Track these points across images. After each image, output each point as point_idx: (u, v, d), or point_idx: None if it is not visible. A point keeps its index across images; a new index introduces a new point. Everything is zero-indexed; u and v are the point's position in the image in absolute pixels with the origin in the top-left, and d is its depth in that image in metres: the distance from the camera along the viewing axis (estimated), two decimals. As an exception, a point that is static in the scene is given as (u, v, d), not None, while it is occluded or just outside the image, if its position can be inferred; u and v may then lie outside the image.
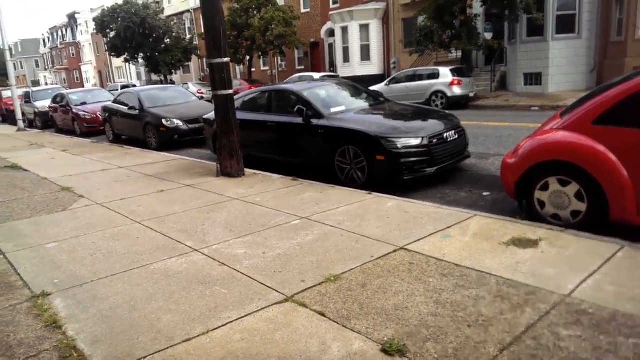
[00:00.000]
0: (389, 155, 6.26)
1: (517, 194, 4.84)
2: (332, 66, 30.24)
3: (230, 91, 7.60)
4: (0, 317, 3.27)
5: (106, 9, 36.63)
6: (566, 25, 17.85)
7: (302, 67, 32.89)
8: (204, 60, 41.39)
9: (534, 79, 18.58)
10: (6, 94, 25.74)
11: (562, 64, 17.97)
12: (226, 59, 7.49)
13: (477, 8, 19.76)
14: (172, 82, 38.20)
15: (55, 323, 3.14)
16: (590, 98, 4.60)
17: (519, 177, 4.72)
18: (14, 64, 20.14)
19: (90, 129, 15.76)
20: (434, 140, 6.43)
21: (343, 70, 26.97)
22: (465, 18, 18.18)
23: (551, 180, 4.56)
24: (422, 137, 6.36)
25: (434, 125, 6.75)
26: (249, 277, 3.73)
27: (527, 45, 18.51)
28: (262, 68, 36.22)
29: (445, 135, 6.59)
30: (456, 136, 6.80)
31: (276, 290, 3.47)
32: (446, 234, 4.37)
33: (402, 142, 6.27)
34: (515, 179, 4.78)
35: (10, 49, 20.09)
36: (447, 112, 7.94)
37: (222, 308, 3.24)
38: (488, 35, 19.25)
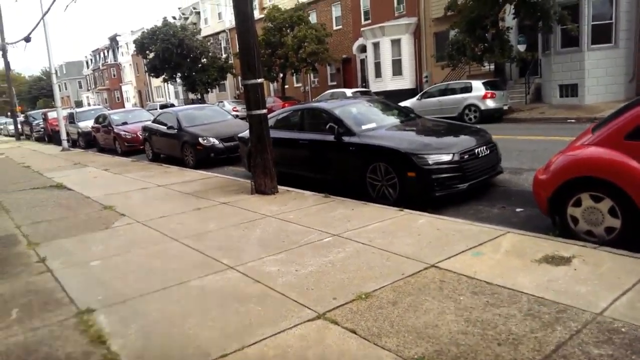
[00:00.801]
0: (420, 172, 6.31)
1: (550, 210, 4.81)
2: (364, 81, 30.42)
3: (264, 111, 7.82)
4: (50, 332, 3.48)
5: (146, 31, 38.06)
6: (602, 35, 17.46)
7: (335, 83, 33.23)
8: (239, 78, 42.45)
9: (569, 90, 18.20)
10: (51, 115, 27.07)
11: (599, 75, 17.55)
12: (260, 80, 7.73)
13: (510, 21, 19.59)
14: (203, 101, 39.25)
15: (100, 338, 3.33)
16: (622, 113, 4.56)
17: (552, 193, 4.69)
18: (59, 85, 21.15)
19: (130, 147, 16.38)
20: (465, 156, 6.44)
21: (375, 85, 27.11)
22: (497, 31, 18.07)
23: (584, 196, 4.51)
24: (453, 153, 6.38)
25: (465, 141, 6.76)
26: (282, 294, 3.84)
27: (562, 57, 18.18)
28: (295, 85, 36.77)
29: (476, 150, 6.58)
30: (488, 151, 6.78)
31: (309, 308, 3.56)
32: (478, 251, 4.38)
33: (433, 158, 6.30)
34: (547, 195, 4.75)
35: (55, 72, 21.14)
36: (478, 127, 7.91)
37: (256, 325, 3.36)
38: (521, 47, 19.05)
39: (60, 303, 3.98)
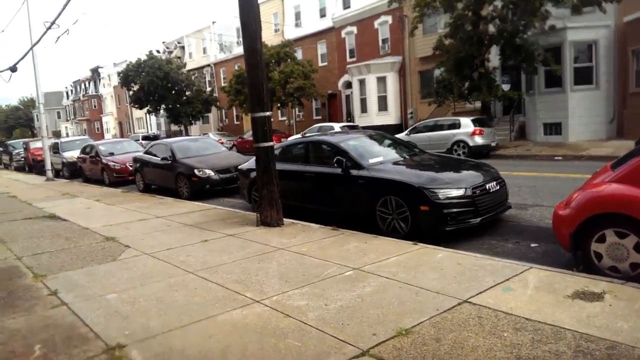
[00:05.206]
0: (433, 206, 6.34)
1: (572, 246, 4.85)
2: (350, 116, 30.87)
3: (271, 143, 7.82)
4: (82, 369, 3.31)
5: (131, 64, 38.15)
6: (584, 77, 18.25)
7: (320, 117, 33.62)
8: (223, 111, 42.59)
9: (553, 128, 18.79)
10: (33, 144, 26.59)
11: (582, 114, 18.21)
12: (268, 113, 7.76)
13: (495, 61, 20.28)
14: (187, 133, 39.15)
15: (137, 376, 3.17)
16: (642, 151, 4.70)
17: (575, 229, 4.74)
18: (37, 115, 20.91)
19: (119, 178, 16.11)
20: (477, 191, 6.51)
21: (361, 120, 27.50)
22: (484, 71, 18.66)
23: (608, 232, 4.58)
24: (466, 188, 6.45)
25: (475, 176, 6.86)
26: (318, 329, 3.74)
27: (546, 96, 18.85)
28: (280, 118, 37.01)
29: (487, 186, 6.67)
30: (497, 187, 6.88)
31: (350, 344, 3.47)
32: (507, 286, 4.37)
33: (446, 192, 6.36)
34: (570, 230, 4.80)
35: (42, 102, 20.77)
36: (485, 163, 8.03)
37: (300, 362, 3.25)
38: (506, 87, 19.68)
39: (85, 338, 3.78)
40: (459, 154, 16.83)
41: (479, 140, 16.87)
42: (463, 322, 3.71)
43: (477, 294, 4.23)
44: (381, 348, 3.38)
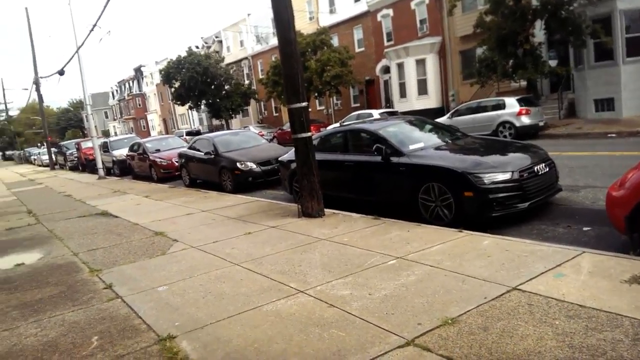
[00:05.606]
0: (478, 191, 6.17)
1: (628, 229, 4.61)
2: (388, 102, 30.47)
3: (309, 134, 7.81)
4: (137, 359, 3.44)
5: (171, 61, 39.03)
6: (637, 47, 17.18)
7: (358, 105, 33.37)
8: (262, 103, 43.01)
9: (605, 104, 17.88)
10: (85, 144, 27.75)
11: (636, 88, 17.20)
12: (304, 104, 7.74)
13: (540, 35, 19.45)
14: (228, 127, 39.67)
15: (188, 366, 3.27)
16: None
17: (630, 210, 4.51)
18: (86, 116, 21.75)
19: (166, 174, 16.60)
20: (525, 174, 6.28)
21: (400, 106, 27.11)
22: (529, 47, 17.93)
23: (667, 213, 4.33)
24: (512, 171, 6.24)
25: (522, 159, 6.61)
26: (362, 319, 3.74)
27: (596, 71, 17.93)
28: (318, 108, 36.97)
29: (535, 168, 6.42)
30: (546, 169, 6.62)
31: (394, 334, 3.44)
32: (559, 272, 4.21)
33: (491, 177, 6.17)
34: (625, 212, 4.56)
35: (90, 103, 21.62)
36: (533, 144, 7.73)
37: (345, 352, 3.26)
38: (552, 63, 18.85)
39: (138, 330, 3.94)
40: (504, 136, 16.32)
41: (525, 120, 16.25)
42: (512, 310, 3.61)
43: (527, 281, 4.10)
44: (426, 338, 3.34)
